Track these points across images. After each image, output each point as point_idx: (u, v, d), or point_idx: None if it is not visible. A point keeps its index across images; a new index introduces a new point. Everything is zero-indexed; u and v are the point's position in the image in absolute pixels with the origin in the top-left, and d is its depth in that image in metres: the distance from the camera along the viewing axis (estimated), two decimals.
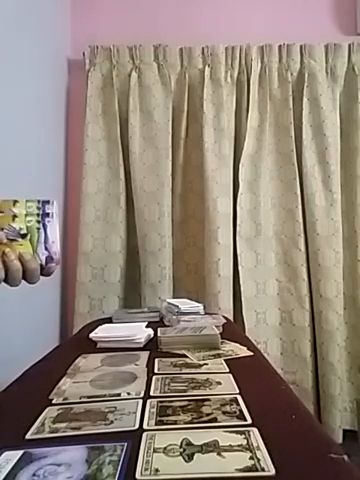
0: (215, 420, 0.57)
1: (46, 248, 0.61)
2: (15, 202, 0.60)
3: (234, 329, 1.40)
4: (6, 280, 0.56)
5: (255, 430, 0.53)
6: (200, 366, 0.85)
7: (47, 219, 0.61)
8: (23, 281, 0.59)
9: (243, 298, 1.88)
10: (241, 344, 1.05)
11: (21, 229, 0.59)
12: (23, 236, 0.59)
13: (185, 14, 2.11)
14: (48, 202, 0.62)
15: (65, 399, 0.68)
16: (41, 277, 0.62)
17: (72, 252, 1.94)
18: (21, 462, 0.47)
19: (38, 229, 0.61)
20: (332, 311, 1.87)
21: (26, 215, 0.60)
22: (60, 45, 2.03)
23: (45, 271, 0.61)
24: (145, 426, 0.56)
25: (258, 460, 0.46)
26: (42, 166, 1.74)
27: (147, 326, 1.21)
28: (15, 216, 0.59)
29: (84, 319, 1.77)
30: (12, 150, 1.41)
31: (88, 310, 1.85)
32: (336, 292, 1.89)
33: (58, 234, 0.63)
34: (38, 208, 0.61)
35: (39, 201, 0.62)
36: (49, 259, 0.61)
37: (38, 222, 0.61)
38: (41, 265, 0.60)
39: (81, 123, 1.97)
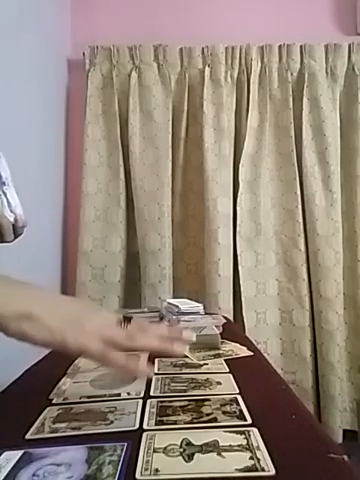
0: (215, 420, 0.57)
1: (11, 211, 0.69)
2: None
3: (234, 329, 1.40)
4: None
5: (255, 430, 0.53)
6: (200, 366, 0.85)
7: (4, 187, 0.71)
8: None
9: (243, 298, 1.88)
10: (241, 344, 1.05)
11: None
12: None
13: (185, 14, 2.11)
14: None
15: (65, 399, 0.68)
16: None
17: (72, 252, 1.94)
18: (21, 462, 0.47)
19: None
20: (332, 311, 1.87)
21: None
22: (60, 45, 2.03)
23: (15, 231, 0.69)
24: (145, 426, 0.56)
25: (258, 460, 0.46)
26: (42, 166, 1.74)
27: None
28: None
29: None
30: (12, 150, 1.41)
31: None
32: (336, 292, 1.89)
33: (17, 199, 0.72)
34: None
35: None
36: (15, 220, 0.69)
37: None
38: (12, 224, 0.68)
39: (81, 123, 1.97)
